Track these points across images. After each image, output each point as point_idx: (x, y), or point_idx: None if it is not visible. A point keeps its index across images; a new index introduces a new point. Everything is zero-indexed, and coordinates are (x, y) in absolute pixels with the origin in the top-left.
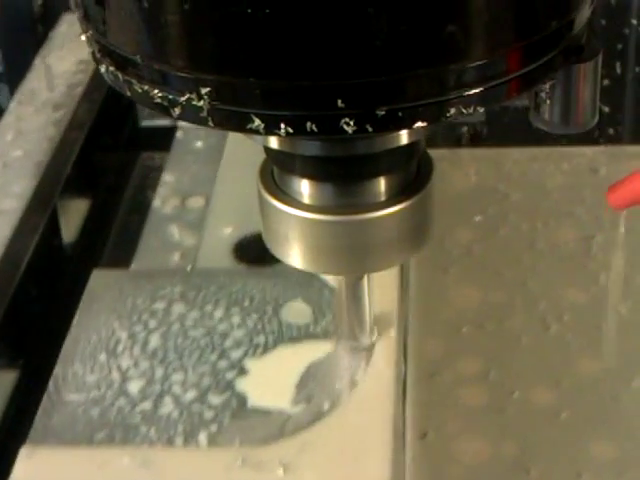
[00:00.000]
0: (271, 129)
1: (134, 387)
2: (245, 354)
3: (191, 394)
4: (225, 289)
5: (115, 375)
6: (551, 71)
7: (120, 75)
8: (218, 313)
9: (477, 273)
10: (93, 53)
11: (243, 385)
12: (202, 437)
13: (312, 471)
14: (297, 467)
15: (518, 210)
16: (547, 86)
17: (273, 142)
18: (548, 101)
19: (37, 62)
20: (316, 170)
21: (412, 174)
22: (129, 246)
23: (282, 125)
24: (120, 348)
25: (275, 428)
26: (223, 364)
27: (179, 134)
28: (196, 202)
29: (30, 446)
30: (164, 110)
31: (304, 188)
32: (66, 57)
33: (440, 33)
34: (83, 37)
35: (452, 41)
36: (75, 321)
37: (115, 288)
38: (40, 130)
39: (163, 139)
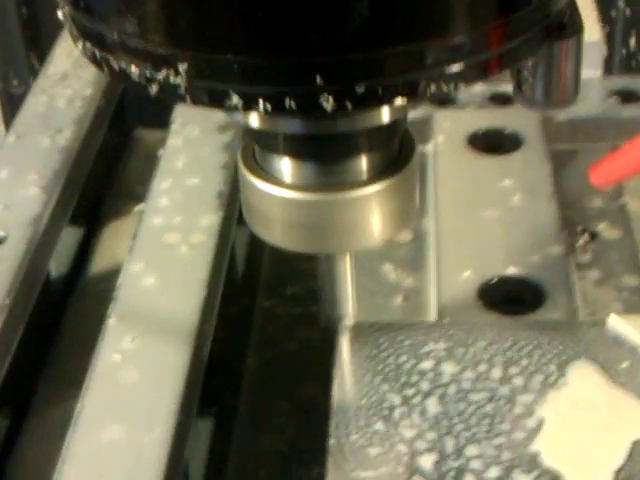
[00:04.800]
0: (250, 106)
1: (426, 462)
2: (541, 424)
3: (494, 472)
4: (496, 345)
5: (401, 448)
6: (533, 48)
7: (97, 52)
8: (496, 374)
9: None
10: (70, 30)
11: (551, 460)
12: None
13: None
14: None
15: None
16: (529, 63)
17: (254, 120)
18: (530, 78)
19: None
20: (297, 148)
21: (394, 153)
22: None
23: (260, 102)
24: (397, 416)
25: None
26: (519, 435)
27: None
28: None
29: None
30: (141, 88)
31: (285, 167)
32: None
33: (419, 9)
34: (60, 13)
35: (431, 17)
36: (335, 382)
37: (371, 343)
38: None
39: None
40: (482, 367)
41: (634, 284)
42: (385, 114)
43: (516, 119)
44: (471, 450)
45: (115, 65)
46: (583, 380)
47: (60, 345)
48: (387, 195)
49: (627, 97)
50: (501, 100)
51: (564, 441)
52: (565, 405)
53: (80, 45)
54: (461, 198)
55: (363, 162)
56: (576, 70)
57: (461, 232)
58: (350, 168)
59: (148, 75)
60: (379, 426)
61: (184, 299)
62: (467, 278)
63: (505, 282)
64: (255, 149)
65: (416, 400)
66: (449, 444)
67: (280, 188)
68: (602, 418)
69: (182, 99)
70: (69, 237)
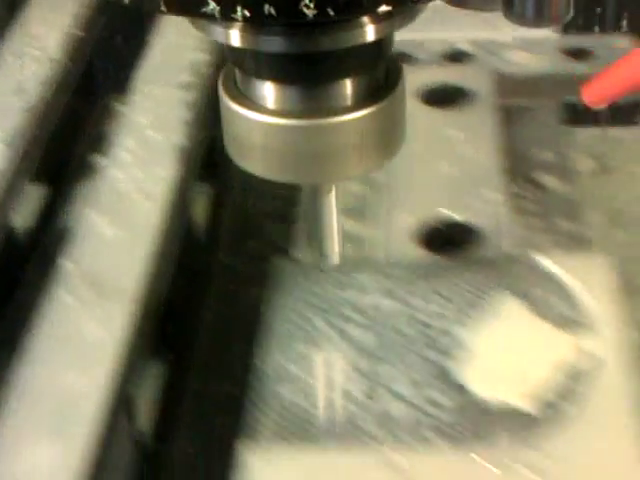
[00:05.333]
0: (227, 13)
1: (353, 386)
2: (468, 353)
3: (415, 392)
4: (430, 282)
5: (325, 370)
6: None
7: None
8: (431, 308)
9: None
10: None
11: (471, 383)
12: (434, 438)
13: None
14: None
15: None
16: None
17: (234, 38)
18: None
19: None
20: (278, 71)
21: (380, 79)
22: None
23: (239, 8)
24: (325, 341)
25: (520, 432)
26: (435, 355)
27: None
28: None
29: (260, 447)
30: None
31: (267, 92)
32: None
33: None
34: None
35: None
36: (266, 310)
37: (304, 277)
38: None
39: None
40: (417, 302)
41: (569, 229)
42: (370, 31)
43: (469, 76)
44: (390, 371)
45: None
46: (508, 311)
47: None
48: (373, 121)
49: (579, 54)
50: (457, 58)
51: (484, 364)
52: (489, 333)
53: None
54: (410, 149)
55: (348, 86)
56: None
57: (408, 180)
58: (335, 92)
59: None
60: (302, 348)
61: (138, 248)
62: (410, 222)
63: (445, 226)
64: (236, 75)
65: (347, 329)
66: (363, 364)
67: (262, 114)
68: (523, 344)
69: (156, 6)
70: (34, 193)
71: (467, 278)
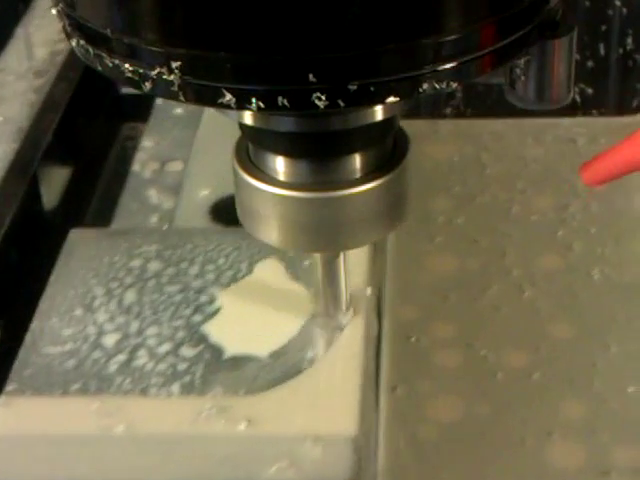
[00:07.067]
0: (243, 104)
1: (109, 340)
2: (219, 309)
3: (166, 347)
4: (200, 247)
5: (91, 329)
6: (525, 46)
7: (91, 49)
8: (193, 270)
9: (455, 241)
10: (64, 27)
11: (217, 337)
12: (175, 388)
13: (274, 423)
14: (262, 420)
15: (496, 180)
16: (522, 62)
17: (247, 118)
18: (523, 77)
19: (18, 31)
20: (290, 147)
21: (388, 150)
22: (109, 210)
23: (253, 100)
24: (96, 304)
25: (247, 380)
26: (197, 318)
27: (159, 100)
28: (175, 166)
29: (6, 397)
30: (135, 84)
31: (279, 165)
32: (47, 25)
33: (411, 7)
34: (54, 11)
35: (424, 15)
36: (52, 278)
37: (92, 246)
38: (21, 96)
39: (145, 107)
40: (183, 265)
41: None
42: (378, 112)
43: None
44: (151, 330)
45: (108, 62)
46: (266, 275)
47: None
48: (382, 193)
49: None
50: None
51: (234, 322)
52: (245, 294)
53: (74, 42)
54: (218, 129)
55: (358, 160)
56: (569, 69)
57: (209, 156)
58: (345, 166)
59: (141, 72)
60: (78, 312)
61: None
62: (203, 196)
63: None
64: (249, 147)
65: (116, 292)
66: (133, 326)
67: (273, 187)
68: (274, 305)
69: (175, 96)
70: None
71: (232, 241)
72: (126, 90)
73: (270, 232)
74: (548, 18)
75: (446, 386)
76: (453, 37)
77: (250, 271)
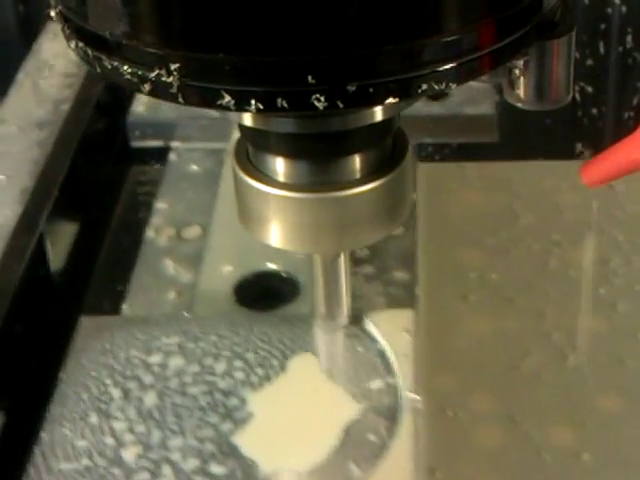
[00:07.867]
0: (242, 105)
1: (129, 455)
2: (250, 416)
3: (192, 463)
4: (226, 340)
5: (108, 440)
6: (524, 47)
7: (90, 51)
8: (219, 368)
9: (490, 300)
10: (63, 29)
11: (249, 450)
12: None
13: None
14: None
15: (530, 230)
16: (521, 62)
17: (247, 119)
18: (522, 77)
19: (20, 77)
20: (290, 148)
21: (387, 151)
22: (120, 273)
23: (252, 101)
24: (113, 408)
25: None
26: (227, 427)
27: (172, 156)
28: (192, 232)
29: None
30: (134, 86)
31: (279, 166)
32: (51, 72)
33: (410, 8)
34: (52, 13)
35: (423, 16)
36: (63, 376)
37: (106, 338)
38: (24, 152)
39: (155, 159)
40: (207, 361)
41: (403, 279)
42: (378, 112)
43: None
44: (174, 442)
45: (107, 64)
46: (301, 374)
47: None
48: (382, 193)
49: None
50: None
51: (268, 432)
52: (278, 398)
53: (73, 44)
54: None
55: (357, 160)
56: (568, 70)
57: (229, 229)
58: (345, 167)
59: (140, 74)
60: (93, 419)
61: None
62: (226, 274)
63: (262, 277)
64: (248, 148)
65: (135, 394)
66: (155, 436)
67: (274, 188)
68: (311, 409)
69: (174, 98)
70: None
71: (260, 334)
72: (136, 143)
73: (270, 233)
74: (546, 18)
75: (487, 469)
76: (452, 38)
77: (282, 368)
